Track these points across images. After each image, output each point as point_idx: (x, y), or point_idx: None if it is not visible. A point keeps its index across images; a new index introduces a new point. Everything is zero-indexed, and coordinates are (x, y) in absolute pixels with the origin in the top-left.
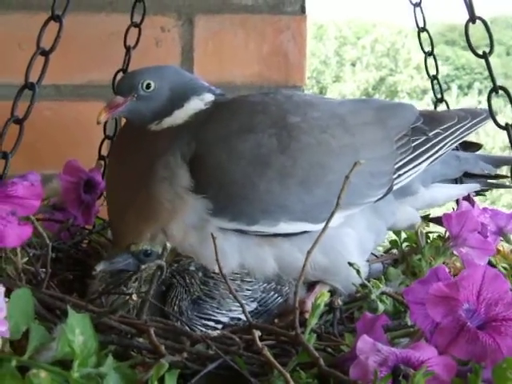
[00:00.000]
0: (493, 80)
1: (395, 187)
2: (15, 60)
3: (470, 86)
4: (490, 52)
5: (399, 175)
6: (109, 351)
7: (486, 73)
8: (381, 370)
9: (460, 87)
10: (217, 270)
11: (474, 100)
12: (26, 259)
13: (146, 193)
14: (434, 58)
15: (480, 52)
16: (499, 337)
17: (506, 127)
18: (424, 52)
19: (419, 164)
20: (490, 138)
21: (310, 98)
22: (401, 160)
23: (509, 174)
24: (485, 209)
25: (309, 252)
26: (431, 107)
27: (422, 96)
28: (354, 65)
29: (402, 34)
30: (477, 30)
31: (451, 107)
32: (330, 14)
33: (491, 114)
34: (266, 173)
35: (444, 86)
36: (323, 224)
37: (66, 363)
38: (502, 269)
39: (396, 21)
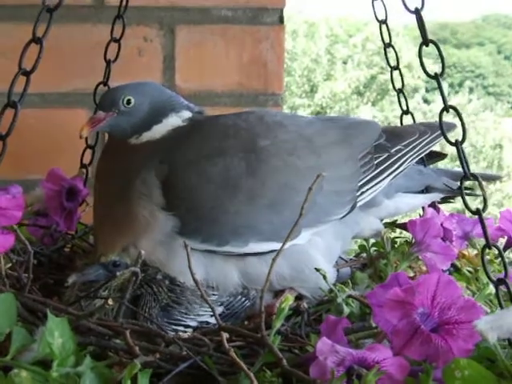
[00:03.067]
0: (444, 99)
1: (359, 204)
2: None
3: (460, 85)
4: (442, 74)
5: (362, 192)
6: (87, 352)
7: (478, 71)
8: (338, 370)
9: (451, 85)
10: (183, 281)
11: (465, 98)
12: (9, 265)
13: (123, 207)
14: (400, 72)
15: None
16: (451, 339)
17: (455, 144)
18: (390, 66)
19: (381, 180)
20: (481, 137)
21: (280, 119)
22: (364, 178)
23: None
24: (451, 215)
25: (273, 259)
26: (422, 105)
27: (413, 94)
28: (345, 63)
29: (393, 33)
30: (468, 29)
31: (442, 104)
32: (322, 11)
33: (442, 131)
34: (235, 195)
35: (435, 84)
36: (292, 242)
37: (46, 363)
38: (466, 272)
39: (388, 19)
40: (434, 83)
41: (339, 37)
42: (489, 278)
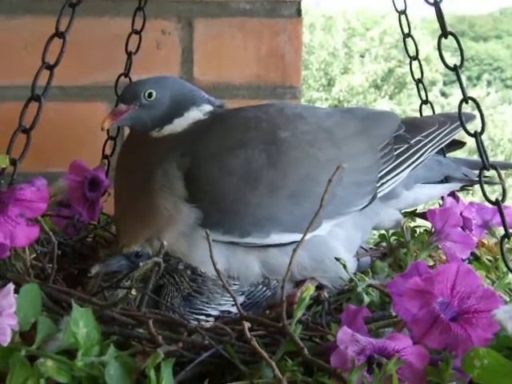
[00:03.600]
0: (463, 91)
1: (379, 195)
2: (21, 62)
3: (479, 78)
4: (461, 65)
5: (382, 183)
6: (111, 341)
7: (496, 64)
8: (358, 359)
9: (469, 78)
10: (204, 271)
11: (483, 91)
12: (33, 255)
13: (145, 199)
14: (419, 61)
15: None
16: (470, 328)
17: (474, 135)
18: (409, 56)
19: (402, 171)
20: (499, 130)
21: (300, 111)
22: (384, 169)
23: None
24: (471, 203)
25: (294, 250)
26: (439, 98)
27: (431, 87)
28: (362, 56)
29: (411, 26)
30: (486, 22)
31: (460, 97)
32: (339, 4)
33: (461, 122)
34: (256, 187)
35: (453, 78)
36: (312, 233)
37: (71, 352)
38: (486, 261)
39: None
40: (452, 76)
41: (356, 30)
42: (507, 267)
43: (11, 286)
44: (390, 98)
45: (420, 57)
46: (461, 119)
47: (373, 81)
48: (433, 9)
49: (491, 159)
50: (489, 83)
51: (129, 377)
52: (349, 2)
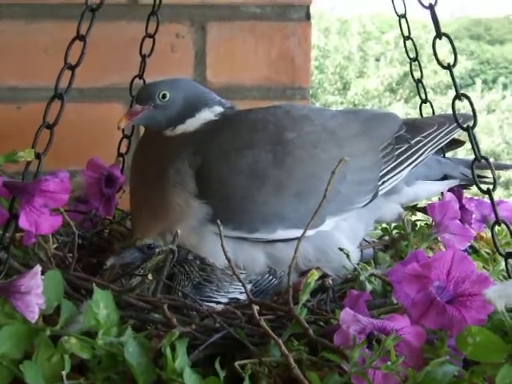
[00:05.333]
0: (456, 88)
1: (380, 192)
2: (42, 65)
3: (494, 81)
4: (454, 64)
5: (384, 182)
6: (128, 325)
7: None
8: (359, 337)
9: (484, 82)
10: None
11: (499, 94)
12: (55, 245)
13: (159, 195)
14: (419, 63)
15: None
16: (465, 310)
17: (466, 129)
18: (409, 58)
19: (402, 170)
20: None
21: (306, 112)
22: (385, 168)
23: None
24: (471, 198)
25: (299, 240)
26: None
27: (446, 91)
28: (377, 60)
29: (426, 29)
30: (502, 25)
31: (476, 101)
32: (354, 8)
33: (455, 118)
34: (263, 186)
35: (469, 81)
36: (317, 229)
37: (91, 335)
38: (484, 254)
39: (420, 16)
40: (468, 80)
41: (372, 34)
42: (498, 251)
43: (39, 268)
44: (406, 101)
45: (434, 61)
46: (454, 114)
47: (388, 84)
48: (444, 13)
49: (509, 162)
50: (505, 86)
51: (146, 355)
52: (364, 6)
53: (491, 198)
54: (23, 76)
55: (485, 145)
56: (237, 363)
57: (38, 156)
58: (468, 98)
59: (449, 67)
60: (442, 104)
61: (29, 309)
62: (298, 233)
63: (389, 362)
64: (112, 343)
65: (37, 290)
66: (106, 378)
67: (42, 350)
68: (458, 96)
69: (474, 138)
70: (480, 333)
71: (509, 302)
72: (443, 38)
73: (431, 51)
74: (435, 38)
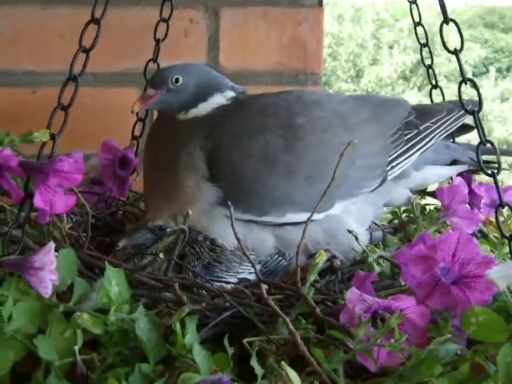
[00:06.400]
0: (462, 73)
1: (389, 177)
2: (57, 50)
3: (508, 69)
4: (461, 49)
5: (392, 167)
6: (140, 303)
7: None
8: (365, 316)
9: (498, 70)
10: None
11: None
12: (69, 225)
13: (171, 177)
14: (429, 48)
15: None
16: (469, 291)
17: (472, 113)
18: (420, 44)
19: (411, 155)
20: None
21: (317, 98)
22: (394, 153)
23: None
24: (480, 183)
25: (307, 222)
26: (468, 90)
27: (460, 78)
28: (391, 47)
29: (440, 17)
30: None
31: (489, 89)
32: None
33: (461, 103)
34: (274, 170)
35: (482, 69)
36: (326, 212)
37: (103, 312)
38: (493, 238)
39: (435, 3)
40: (482, 68)
41: (385, 21)
42: (501, 233)
43: (52, 245)
44: (419, 89)
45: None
46: (460, 99)
47: (401, 72)
48: (459, 1)
49: None
50: None
51: (157, 331)
52: None
53: (495, 182)
54: (39, 61)
55: (498, 133)
56: (245, 340)
57: (52, 137)
58: (473, 82)
59: (455, 52)
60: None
61: (42, 284)
62: (307, 216)
63: (392, 340)
64: (123, 319)
65: (50, 266)
66: (118, 353)
67: (55, 326)
68: (464, 80)
69: (480, 122)
70: (483, 313)
71: (510, 283)
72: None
73: (445, 38)
74: (442, 24)
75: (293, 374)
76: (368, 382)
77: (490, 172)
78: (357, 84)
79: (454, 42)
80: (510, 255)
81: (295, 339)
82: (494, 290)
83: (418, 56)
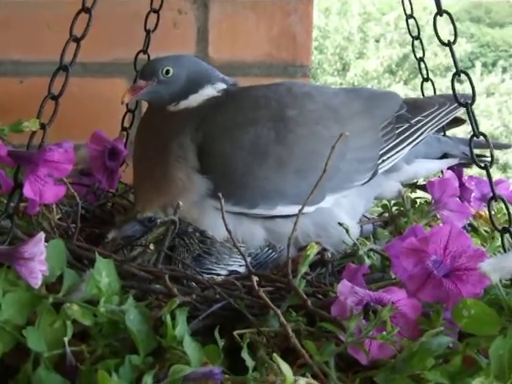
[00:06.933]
0: (456, 65)
1: (380, 171)
2: (45, 39)
3: (494, 64)
4: (454, 41)
5: (383, 160)
6: (130, 295)
7: None
8: (356, 308)
9: (484, 65)
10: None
11: (498, 78)
12: (58, 216)
13: (161, 169)
14: (421, 41)
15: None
16: (461, 283)
17: (465, 105)
18: (411, 36)
19: (402, 149)
20: None
21: (308, 90)
22: (385, 146)
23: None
24: (471, 177)
25: (298, 215)
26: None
27: (445, 73)
28: (377, 41)
29: (426, 11)
30: (502, 8)
31: (475, 84)
32: None
33: (454, 95)
34: (264, 162)
35: (468, 64)
36: (317, 205)
37: (93, 303)
38: (483, 232)
39: None
40: (467, 63)
41: (372, 15)
42: (494, 226)
43: (42, 235)
44: (405, 83)
45: (436, 42)
46: (454, 91)
47: (387, 66)
48: None
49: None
50: (504, 70)
51: (147, 322)
52: None
53: (488, 174)
54: (27, 50)
55: (484, 128)
56: (236, 332)
57: (42, 126)
58: (467, 74)
59: (449, 44)
60: (441, 86)
61: (32, 275)
62: (297, 209)
63: (384, 332)
64: (113, 311)
65: (40, 257)
66: (107, 344)
67: (44, 317)
68: (458, 73)
69: (473, 115)
70: (475, 305)
71: (503, 275)
72: (443, 19)
73: (431, 33)
74: (436, 15)
75: (285, 366)
76: (359, 375)
77: (482, 165)
78: (343, 77)
79: (441, 36)
80: (501, 248)
81: (286, 331)
82: (486, 283)
83: (405, 50)
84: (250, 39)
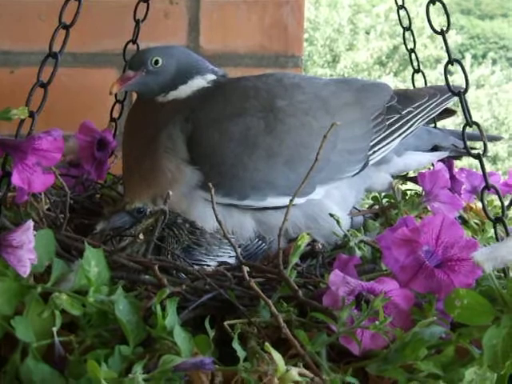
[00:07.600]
0: (448, 54)
1: (371, 162)
2: (35, 29)
3: (484, 56)
4: (447, 30)
5: (374, 151)
6: (119, 285)
7: (501, 42)
8: (348, 299)
9: (474, 57)
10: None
11: (488, 70)
12: (47, 206)
13: (151, 160)
14: (412, 32)
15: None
16: (453, 274)
17: (458, 94)
18: (402, 27)
19: (392, 140)
20: (503, 108)
21: (298, 81)
22: (376, 137)
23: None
24: (461, 169)
25: (288, 206)
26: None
27: (435, 65)
28: (367, 33)
29: (416, 3)
30: (492, 0)
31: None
32: None
33: (447, 83)
34: (254, 153)
35: (458, 55)
36: (307, 197)
37: (82, 294)
38: (474, 224)
39: None
40: (458, 54)
41: (362, 6)
42: (487, 215)
43: (31, 223)
44: (395, 75)
45: (426, 34)
46: (447, 80)
47: (378, 58)
48: None
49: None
50: (494, 62)
51: (137, 312)
52: None
53: (481, 163)
54: (16, 40)
55: (474, 120)
56: (226, 323)
57: (31, 114)
58: (460, 63)
59: (442, 32)
60: (431, 78)
61: (20, 263)
62: (288, 200)
63: (377, 322)
64: (103, 301)
65: (29, 245)
66: (97, 335)
67: (32, 307)
68: (451, 61)
69: (466, 104)
70: (468, 295)
71: (496, 265)
72: (434, 11)
73: (421, 25)
74: (429, 4)
75: (277, 356)
76: (351, 365)
77: (476, 153)
78: (333, 69)
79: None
80: (494, 239)
81: (278, 322)
82: (478, 273)
83: (395, 42)
84: (241, 30)
